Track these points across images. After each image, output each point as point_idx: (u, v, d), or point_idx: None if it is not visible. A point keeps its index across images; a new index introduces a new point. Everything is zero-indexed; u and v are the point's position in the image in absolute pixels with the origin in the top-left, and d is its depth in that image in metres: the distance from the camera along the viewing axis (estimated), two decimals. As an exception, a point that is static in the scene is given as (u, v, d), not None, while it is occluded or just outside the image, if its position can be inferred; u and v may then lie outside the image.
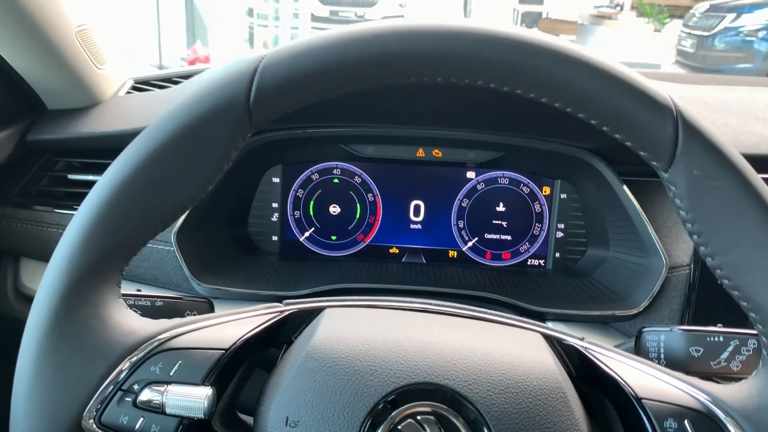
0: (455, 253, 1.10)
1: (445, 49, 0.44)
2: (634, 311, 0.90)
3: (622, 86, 0.44)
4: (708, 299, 0.89)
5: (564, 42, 0.45)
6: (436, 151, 1.05)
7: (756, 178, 0.44)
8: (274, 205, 1.09)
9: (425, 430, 0.45)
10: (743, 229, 0.43)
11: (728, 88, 1.12)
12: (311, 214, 1.10)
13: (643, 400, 0.47)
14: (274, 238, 1.10)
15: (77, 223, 0.46)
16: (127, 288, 0.75)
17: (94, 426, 0.46)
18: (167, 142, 0.46)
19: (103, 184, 0.46)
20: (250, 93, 0.45)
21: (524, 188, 1.08)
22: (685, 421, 0.46)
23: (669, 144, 0.44)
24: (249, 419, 0.54)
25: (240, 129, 0.46)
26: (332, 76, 0.46)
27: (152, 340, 0.49)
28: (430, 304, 0.56)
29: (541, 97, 0.46)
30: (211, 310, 0.67)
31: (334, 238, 1.11)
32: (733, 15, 6.02)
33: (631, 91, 0.44)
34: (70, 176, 1.01)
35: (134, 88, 1.14)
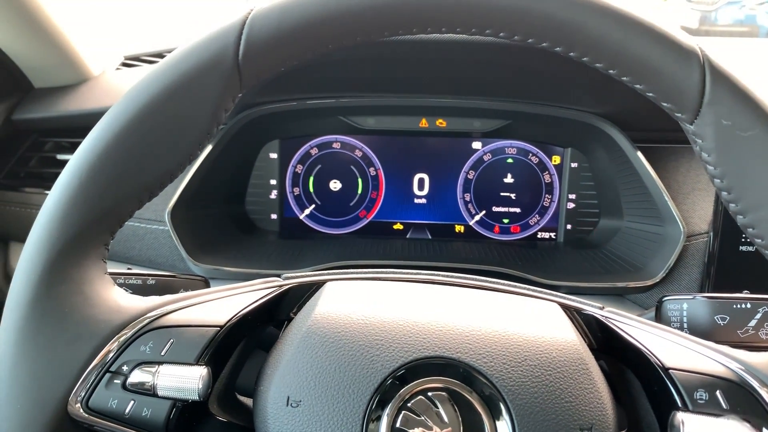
0: (462, 227, 1.07)
1: None
2: (651, 282, 0.86)
3: (643, 31, 0.40)
4: (728, 268, 0.85)
5: None
6: (440, 120, 1.01)
7: None
8: (272, 181, 1.05)
9: (437, 407, 0.41)
10: None
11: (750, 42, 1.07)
12: (311, 190, 1.06)
13: (670, 371, 0.43)
14: (273, 216, 1.07)
15: (56, 194, 0.43)
16: (119, 269, 0.71)
17: (81, 410, 0.43)
18: (150, 103, 0.42)
19: (83, 151, 0.43)
20: (239, 47, 0.41)
21: (533, 158, 1.04)
22: (717, 392, 0.42)
23: (695, 92, 0.40)
24: (249, 401, 0.51)
25: (229, 87, 0.43)
26: (328, 27, 0.42)
27: (142, 318, 0.45)
28: (438, 275, 0.53)
29: (554, 47, 0.42)
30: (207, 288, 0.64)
31: (335, 215, 1.07)
32: (737, -13, 5.93)
33: (653, 35, 0.40)
34: (59, 156, 0.98)
35: (124, 65, 1.10)
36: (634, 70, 0.41)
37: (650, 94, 0.42)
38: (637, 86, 0.42)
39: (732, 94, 0.40)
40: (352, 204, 1.07)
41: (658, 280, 0.86)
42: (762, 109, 0.40)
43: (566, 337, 0.45)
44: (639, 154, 0.89)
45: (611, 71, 0.42)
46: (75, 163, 0.43)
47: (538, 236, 1.06)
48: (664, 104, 0.42)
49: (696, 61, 0.40)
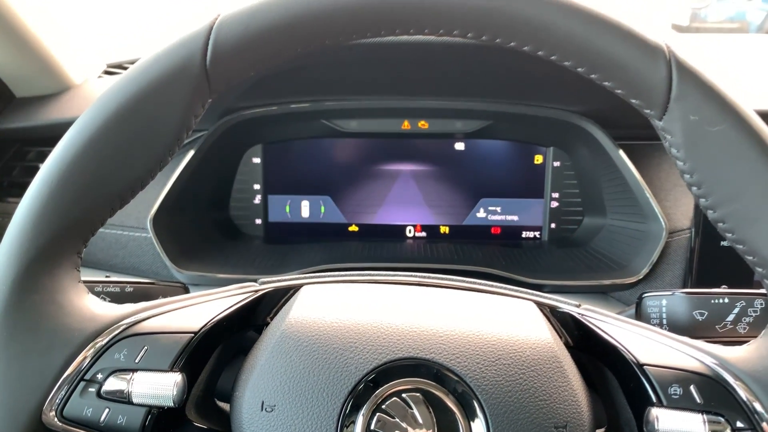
0: (447, 228, 1.07)
1: None
2: (634, 279, 0.87)
3: (609, 28, 0.40)
4: (711, 264, 0.85)
5: None
6: (422, 122, 1.01)
7: (757, 120, 0.40)
8: (256, 186, 1.05)
9: (412, 408, 0.41)
10: (747, 176, 0.39)
11: (723, 41, 1.08)
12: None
13: (645, 367, 0.43)
14: (258, 221, 1.06)
15: (26, 202, 0.43)
16: (99, 277, 0.71)
17: (56, 420, 0.42)
18: (119, 110, 0.42)
19: (53, 159, 0.43)
20: (207, 52, 0.41)
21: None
22: (691, 387, 0.42)
23: (662, 88, 0.40)
24: (228, 407, 0.50)
25: (198, 92, 0.43)
26: (295, 30, 0.42)
27: (116, 326, 0.45)
28: (412, 276, 0.53)
29: (522, 46, 0.42)
30: (187, 295, 0.63)
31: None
32: (726, -16, 5.96)
33: (619, 33, 0.40)
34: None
35: (107, 73, 1.09)
36: (602, 67, 0.41)
37: (619, 91, 0.42)
38: (606, 83, 0.42)
39: (699, 89, 0.40)
40: None
41: (641, 277, 0.87)
42: (729, 103, 0.40)
43: (540, 335, 0.45)
44: (621, 152, 0.89)
45: (579, 69, 0.42)
46: (45, 171, 0.43)
47: (522, 235, 1.06)
48: (633, 101, 0.42)
49: (662, 57, 0.40)
